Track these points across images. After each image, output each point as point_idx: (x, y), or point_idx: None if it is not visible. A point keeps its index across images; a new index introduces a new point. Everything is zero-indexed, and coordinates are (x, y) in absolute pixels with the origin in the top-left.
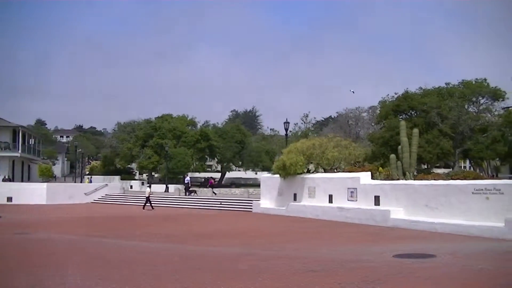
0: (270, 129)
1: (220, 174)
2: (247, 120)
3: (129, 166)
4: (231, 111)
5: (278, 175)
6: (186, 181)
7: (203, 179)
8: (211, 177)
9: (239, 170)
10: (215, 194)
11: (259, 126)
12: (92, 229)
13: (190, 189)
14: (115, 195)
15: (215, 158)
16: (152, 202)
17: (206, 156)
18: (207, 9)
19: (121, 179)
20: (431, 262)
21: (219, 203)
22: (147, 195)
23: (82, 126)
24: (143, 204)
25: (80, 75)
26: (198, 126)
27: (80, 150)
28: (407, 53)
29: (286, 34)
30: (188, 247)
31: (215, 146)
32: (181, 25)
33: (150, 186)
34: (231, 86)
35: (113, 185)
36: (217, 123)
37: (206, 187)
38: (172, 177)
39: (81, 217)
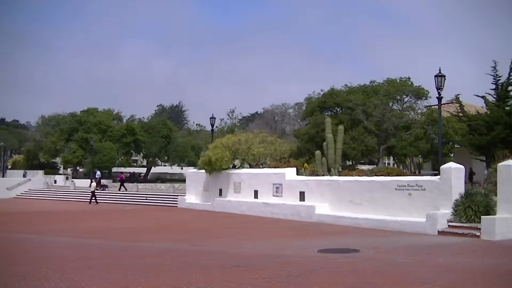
0: (197, 124)
1: (145, 169)
2: (173, 115)
3: (53, 160)
4: (158, 106)
5: (203, 171)
6: (96, 176)
7: (129, 174)
8: (122, 172)
9: (165, 165)
10: (126, 189)
11: (185, 121)
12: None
13: (102, 184)
14: (38, 190)
15: (141, 153)
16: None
17: (131, 151)
18: (135, 1)
19: (45, 174)
20: (355, 257)
21: (145, 198)
22: (92, 190)
23: (4, 119)
24: (88, 199)
25: (3, 67)
26: (124, 121)
27: (1, 143)
28: (334, 51)
29: (215, 30)
30: (111, 242)
31: (140, 141)
32: (107, 17)
33: (94, 181)
34: (158, 80)
35: (37, 179)
36: (143, 117)
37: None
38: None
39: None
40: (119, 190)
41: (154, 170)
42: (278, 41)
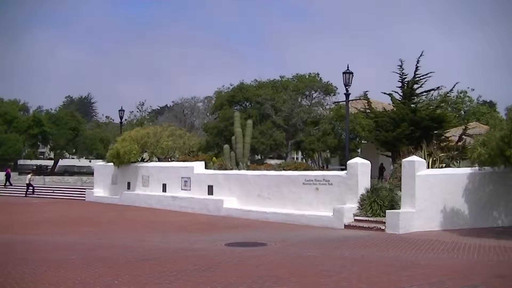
0: (106, 117)
1: (53, 161)
2: (81, 107)
3: None
4: (66, 97)
5: (112, 164)
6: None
7: (35, 166)
8: (8, 165)
9: (73, 158)
10: (11, 184)
11: (94, 113)
12: None
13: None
14: None
15: (48, 145)
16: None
17: (38, 143)
18: None
19: None
20: (262, 250)
21: (52, 191)
22: (27, 182)
23: None
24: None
25: None
26: (31, 112)
27: None
28: (245, 46)
29: (124, 20)
30: (12, 236)
31: (48, 133)
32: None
33: (30, 173)
34: (65, 71)
35: None
36: (51, 109)
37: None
38: (2, 164)
39: None
40: (5, 185)
41: (61, 162)
42: (188, 34)
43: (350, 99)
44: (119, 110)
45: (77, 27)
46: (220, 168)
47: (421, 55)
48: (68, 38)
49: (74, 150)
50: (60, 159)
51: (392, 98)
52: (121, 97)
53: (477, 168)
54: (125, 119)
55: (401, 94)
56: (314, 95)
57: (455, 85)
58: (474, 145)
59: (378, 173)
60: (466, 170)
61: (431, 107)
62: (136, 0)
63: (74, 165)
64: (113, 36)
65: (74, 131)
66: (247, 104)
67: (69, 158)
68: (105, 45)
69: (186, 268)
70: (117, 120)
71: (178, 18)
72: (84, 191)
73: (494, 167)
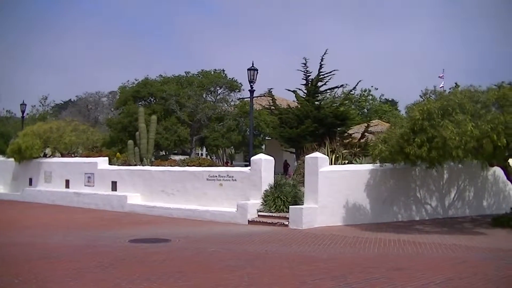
0: (7, 111)
1: None
2: None
3: None
4: None
5: (13, 159)
6: None
7: None
8: None
9: None
10: None
11: None
12: None
13: None
14: None
15: None
16: None
17: None
18: None
19: None
20: (166, 246)
21: None
22: None
23: None
24: None
25: None
26: None
27: None
28: (150, 41)
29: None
30: None
31: None
32: None
33: None
34: None
35: None
36: None
37: None
38: None
39: None
40: None
41: None
42: (93, 27)
43: (254, 95)
44: (21, 104)
45: None
46: (124, 164)
47: (325, 53)
48: None
49: None
50: None
51: (297, 95)
52: (24, 91)
53: (378, 164)
54: (27, 114)
55: (306, 91)
56: (219, 91)
57: (358, 83)
58: (376, 142)
59: (283, 169)
60: (368, 167)
61: (335, 104)
62: None
63: None
64: (16, 26)
65: None
66: (152, 99)
67: None
68: (6, 35)
69: (89, 265)
70: (19, 115)
71: (83, 9)
72: None
73: (395, 164)
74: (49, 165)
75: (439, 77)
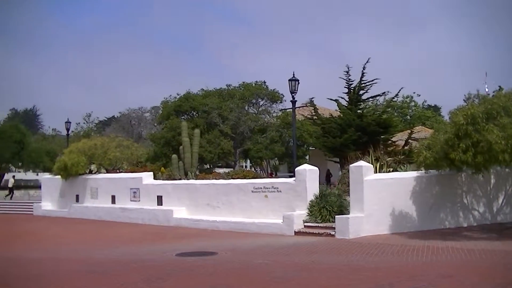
0: (52, 129)
1: None
2: (27, 119)
3: None
4: (10, 110)
5: (59, 176)
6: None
7: None
8: None
9: (19, 171)
10: None
11: (40, 126)
12: None
13: None
14: None
15: None
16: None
17: None
18: None
19: None
20: (213, 259)
21: None
22: (10, 186)
23: None
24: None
25: None
26: None
27: None
28: (190, 54)
29: (65, 29)
30: None
31: None
32: None
33: (14, 177)
34: (8, 83)
35: None
36: None
37: None
38: None
39: None
40: None
41: (7, 176)
42: (132, 43)
43: (296, 106)
44: (66, 122)
45: (18, 37)
46: (168, 178)
47: (367, 61)
48: (7, 48)
49: (20, 164)
50: (6, 173)
51: (339, 104)
52: (68, 109)
53: (423, 171)
54: (72, 131)
55: (348, 100)
56: (261, 103)
57: (400, 90)
58: (420, 149)
59: (325, 179)
60: (413, 174)
61: (377, 112)
62: (75, 8)
63: (21, 179)
64: (54, 45)
65: (19, 144)
66: (194, 113)
67: (15, 171)
68: (48, 55)
69: (136, 280)
70: (64, 132)
71: (121, 25)
72: (32, 205)
73: (440, 170)
74: (95, 181)
75: (483, 82)
